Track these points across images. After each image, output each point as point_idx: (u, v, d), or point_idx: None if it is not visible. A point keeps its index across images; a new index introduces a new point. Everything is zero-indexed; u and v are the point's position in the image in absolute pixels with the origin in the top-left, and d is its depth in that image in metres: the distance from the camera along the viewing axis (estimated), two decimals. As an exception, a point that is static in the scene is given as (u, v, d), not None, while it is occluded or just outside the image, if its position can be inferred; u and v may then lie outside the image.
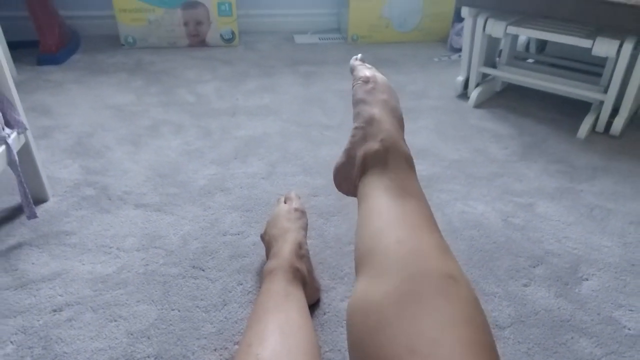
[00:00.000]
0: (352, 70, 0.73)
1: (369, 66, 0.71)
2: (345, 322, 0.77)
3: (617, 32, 1.26)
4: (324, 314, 0.79)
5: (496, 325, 0.78)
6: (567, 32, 1.32)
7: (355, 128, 0.63)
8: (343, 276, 0.87)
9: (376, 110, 0.62)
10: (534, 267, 0.90)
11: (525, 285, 0.86)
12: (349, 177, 0.63)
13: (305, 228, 0.85)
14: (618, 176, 1.19)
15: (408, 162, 0.57)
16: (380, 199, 0.53)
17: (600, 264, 0.92)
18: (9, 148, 0.88)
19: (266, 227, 0.86)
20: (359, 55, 0.75)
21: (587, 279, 0.88)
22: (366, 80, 0.67)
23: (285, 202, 0.89)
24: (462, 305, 0.39)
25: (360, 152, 0.60)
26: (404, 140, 0.60)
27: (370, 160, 0.58)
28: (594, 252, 0.95)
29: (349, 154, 0.63)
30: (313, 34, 2.24)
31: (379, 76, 0.68)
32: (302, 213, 0.86)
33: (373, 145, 0.58)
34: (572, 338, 0.76)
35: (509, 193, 1.12)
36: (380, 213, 0.51)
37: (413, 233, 0.47)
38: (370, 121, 0.61)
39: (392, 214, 0.50)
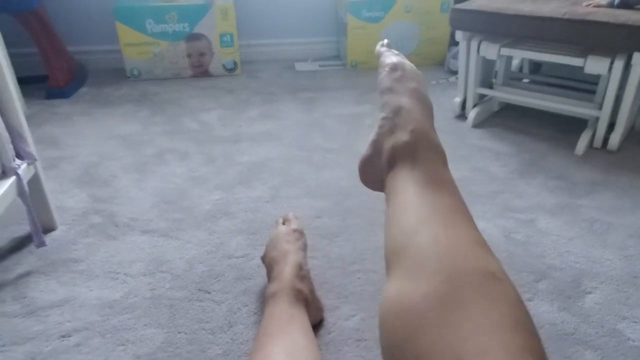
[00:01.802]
0: (379, 56, 0.68)
1: (396, 52, 0.67)
2: (351, 340, 0.78)
3: (608, 50, 1.29)
4: (329, 333, 0.80)
5: (501, 340, 0.78)
6: (560, 52, 1.36)
7: (383, 118, 0.58)
8: (347, 295, 0.87)
9: (405, 100, 0.58)
10: (537, 281, 0.91)
11: (529, 300, 0.86)
12: (376, 170, 0.59)
13: (304, 248, 0.86)
14: (617, 190, 1.21)
15: (440, 154, 0.53)
16: (411, 193, 0.49)
17: (603, 277, 0.92)
18: (19, 179, 0.91)
19: (266, 250, 0.87)
20: (385, 41, 0.70)
21: (590, 292, 0.88)
22: (394, 68, 0.62)
23: (283, 224, 0.91)
24: (508, 307, 0.36)
25: (388, 144, 0.56)
26: (434, 130, 0.57)
27: (400, 153, 0.53)
28: (596, 265, 0.95)
29: (376, 145, 0.59)
30: (313, 62, 2.30)
31: (407, 63, 0.64)
32: (300, 234, 0.88)
33: (402, 136, 0.54)
34: (577, 351, 0.76)
35: (510, 209, 1.13)
36: (412, 208, 0.47)
37: (449, 228, 0.43)
38: (398, 111, 0.57)
39: (426, 209, 0.46)
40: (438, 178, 0.49)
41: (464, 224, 0.44)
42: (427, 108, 0.58)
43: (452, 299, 0.36)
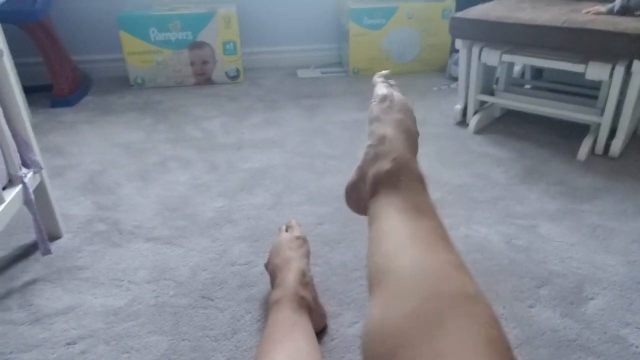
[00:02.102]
0: (374, 86, 0.71)
1: (392, 83, 0.71)
2: (354, 347, 0.78)
3: (608, 56, 1.30)
4: (332, 340, 0.80)
5: (503, 346, 0.78)
6: (561, 58, 1.37)
7: (368, 146, 0.62)
8: (350, 302, 0.88)
9: (389, 130, 0.61)
10: (539, 287, 0.91)
11: (530, 306, 0.87)
12: (361, 195, 0.63)
13: (307, 255, 0.87)
14: (619, 196, 1.21)
15: (420, 181, 0.56)
16: (392, 218, 0.52)
17: (605, 282, 0.92)
18: (25, 187, 0.92)
19: (269, 257, 0.88)
20: (385, 72, 0.74)
21: (592, 298, 0.88)
22: (383, 99, 0.66)
23: (286, 231, 0.92)
24: (484, 326, 0.39)
25: (371, 171, 0.59)
26: (416, 159, 0.60)
27: (382, 180, 0.57)
28: (598, 271, 0.95)
29: (361, 171, 0.63)
30: (315, 68, 2.31)
31: (397, 95, 0.67)
32: (303, 241, 0.88)
33: (384, 164, 0.57)
34: (579, 358, 0.76)
35: (511, 215, 1.14)
36: (393, 232, 0.50)
37: (428, 252, 0.46)
38: (382, 140, 0.60)
39: (406, 233, 0.49)
40: (418, 204, 0.53)
41: (442, 248, 0.47)
42: (411, 138, 0.62)
43: (431, 319, 0.39)
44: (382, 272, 0.46)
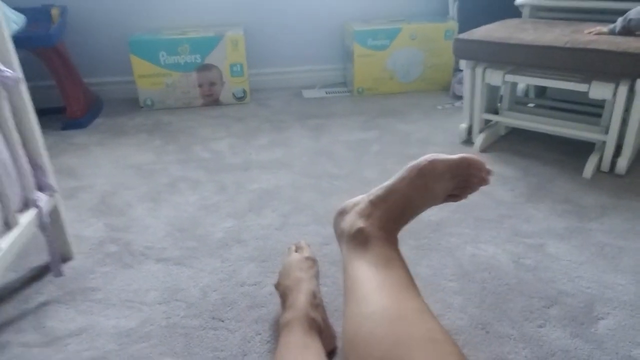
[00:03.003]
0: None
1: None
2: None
3: (611, 76, 1.32)
4: (342, 361, 0.80)
5: (513, 367, 0.78)
6: (564, 78, 1.39)
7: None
8: (359, 323, 0.88)
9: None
10: (548, 307, 0.91)
11: (540, 326, 0.87)
12: (340, 234, 0.73)
13: (317, 276, 0.87)
14: (627, 214, 1.21)
15: (388, 233, 0.66)
16: (364, 270, 0.59)
17: (615, 302, 0.92)
18: (40, 211, 0.94)
19: (279, 278, 0.89)
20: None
21: (602, 318, 0.88)
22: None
23: (296, 251, 0.93)
24: None
25: (346, 226, 0.70)
26: (389, 216, 0.69)
27: (355, 236, 0.66)
28: (608, 290, 0.95)
29: (341, 216, 0.74)
30: (320, 89, 2.35)
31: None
32: (313, 261, 0.89)
33: (358, 223, 0.68)
34: (590, 378, 0.76)
35: (519, 234, 1.14)
36: (365, 283, 0.57)
37: (395, 300, 0.53)
38: (361, 200, 0.75)
39: (376, 284, 0.56)
40: (387, 257, 0.60)
41: (408, 295, 0.53)
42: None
43: None
44: (355, 321, 0.53)
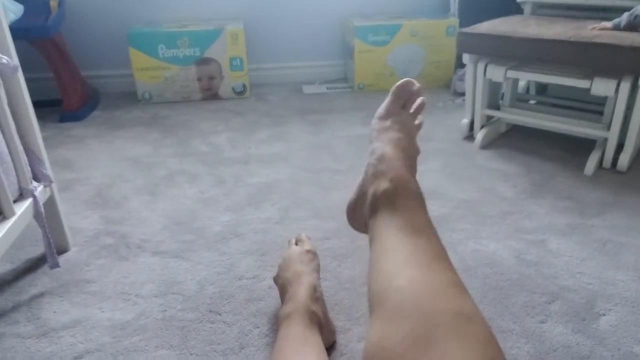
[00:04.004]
0: (390, 95, 0.72)
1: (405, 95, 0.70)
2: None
3: (614, 72, 1.31)
4: (341, 355, 0.79)
5: (515, 363, 0.77)
6: (565, 74, 1.38)
7: (368, 165, 0.63)
8: (359, 317, 0.87)
9: (388, 149, 0.62)
10: (550, 303, 0.90)
11: (542, 322, 0.85)
12: (361, 213, 0.63)
13: (318, 270, 0.86)
14: (628, 210, 1.20)
15: (418, 200, 0.57)
16: (391, 238, 0.52)
17: (617, 298, 0.91)
18: (36, 201, 0.92)
19: (279, 270, 0.87)
20: (417, 85, 0.72)
21: (604, 314, 0.87)
22: (385, 116, 0.67)
23: (296, 244, 0.91)
24: (480, 346, 0.39)
25: (370, 190, 0.59)
26: (414, 178, 0.60)
27: (380, 199, 0.57)
28: (610, 286, 0.94)
29: (361, 190, 0.63)
30: (320, 84, 2.34)
31: (403, 115, 0.68)
32: (314, 255, 0.88)
33: (382, 183, 0.58)
34: (593, 375, 0.75)
35: (520, 230, 1.13)
36: (392, 252, 0.50)
37: (426, 272, 0.46)
38: (381, 159, 0.61)
39: (404, 253, 0.49)
40: (416, 223, 0.53)
41: (440, 267, 0.47)
42: (410, 158, 0.62)
43: (427, 340, 0.39)
44: (381, 293, 0.47)
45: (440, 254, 0.50)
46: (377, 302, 0.47)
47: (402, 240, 0.51)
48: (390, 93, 0.71)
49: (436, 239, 0.53)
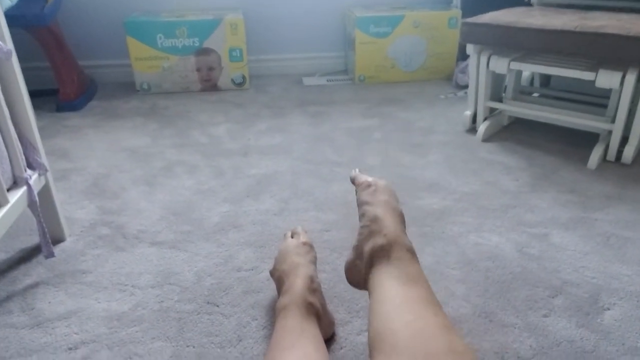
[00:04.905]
0: (354, 180, 0.82)
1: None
2: (364, 355, 0.76)
3: (620, 63, 1.29)
4: (341, 348, 0.78)
5: (518, 357, 0.76)
6: (570, 66, 1.35)
7: (362, 227, 0.71)
8: (359, 310, 0.86)
9: (379, 210, 0.70)
10: (553, 297, 0.89)
11: (545, 316, 0.84)
12: (360, 271, 0.69)
13: (314, 261, 0.85)
14: (633, 204, 1.18)
15: (410, 253, 0.64)
16: (387, 286, 0.59)
17: (621, 292, 0.90)
18: (30, 189, 0.91)
19: (275, 263, 0.86)
20: (357, 169, 0.86)
21: (608, 309, 0.86)
22: (368, 185, 0.77)
23: (292, 237, 0.90)
24: None
25: (367, 248, 0.67)
26: (405, 233, 0.69)
27: (377, 254, 0.65)
28: (614, 281, 0.93)
29: (358, 250, 0.70)
30: (321, 76, 2.31)
31: (380, 180, 0.78)
32: (310, 247, 0.86)
33: (378, 240, 0.66)
34: (597, 369, 0.74)
35: (523, 224, 1.11)
36: (388, 299, 0.57)
37: (419, 316, 0.53)
38: (374, 220, 0.69)
39: (399, 300, 0.57)
40: (410, 273, 0.60)
41: (431, 312, 0.54)
42: (398, 216, 0.71)
43: None
44: (379, 335, 0.53)
45: (431, 300, 0.57)
46: (375, 343, 0.52)
47: (397, 288, 0.58)
48: (354, 174, 0.83)
49: (427, 286, 0.60)
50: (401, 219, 0.72)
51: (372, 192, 0.75)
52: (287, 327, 0.69)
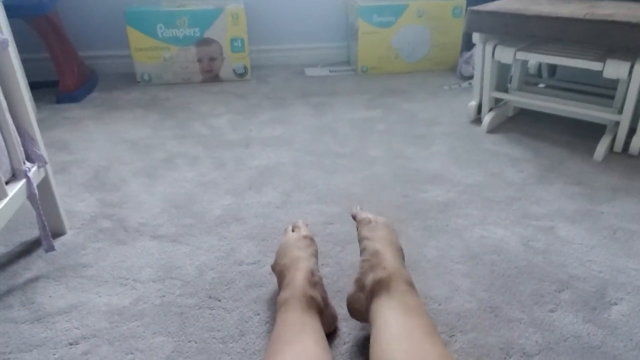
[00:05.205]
0: (355, 216, 0.87)
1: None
2: (367, 351, 0.75)
3: (628, 53, 1.26)
4: (344, 343, 0.77)
5: (524, 353, 0.75)
6: (577, 56, 1.33)
7: (363, 261, 0.75)
8: (362, 304, 0.85)
9: (379, 245, 0.75)
10: (559, 291, 0.87)
11: (551, 311, 0.83)
12: (361, 303, 0.72)
13: (315, 255, 0.83)
14: (639, 197, 1.17)
15: (409, 285, 0.68)
16: (387, 316, 0.63)
17: (629, 287, 0.88)
18: (29, 181, 0.89)
19: (276, 258, 0.85)
20: (358, 206, 0.91)
21: (615, 304, 0.85)
22: (369, 221, 0.81)
23: (293, 231, 0.89)
24: None
25: (369, 280, 0.70)
26: (404, 267, 0.73)
27: (378, 286, 0.68)
28: (621, 275, 0.91)
29: (359, 283, 0.73)
30: (323, 67, 2.28)
31: (380, 217, 0.83)
32: (311, 240, 0.85)
33: (379, 273, 0.70)
34: (605, 365, 0.73)
35: (528, 217, 1.10)
36: (388, 328, 0.61)
37: (418, 346, 0.56)
38: (374, 254, 0.73)
39: (399, 329, 0.60)
40: (409, 304, 0.64)
41: (430, 342, 0.57)
42: (397, 250, 0.76)
43: None
44: None
45: (430, 331, 0.59)
46: None
47: (396, 318, 0.62)
48: (355, 211, 0.89)
49: (426, 317, 0.63)
50: (400, 253, 0.76)
51: (373, 228, 0.79)
52: (287, 321, 0.68)
